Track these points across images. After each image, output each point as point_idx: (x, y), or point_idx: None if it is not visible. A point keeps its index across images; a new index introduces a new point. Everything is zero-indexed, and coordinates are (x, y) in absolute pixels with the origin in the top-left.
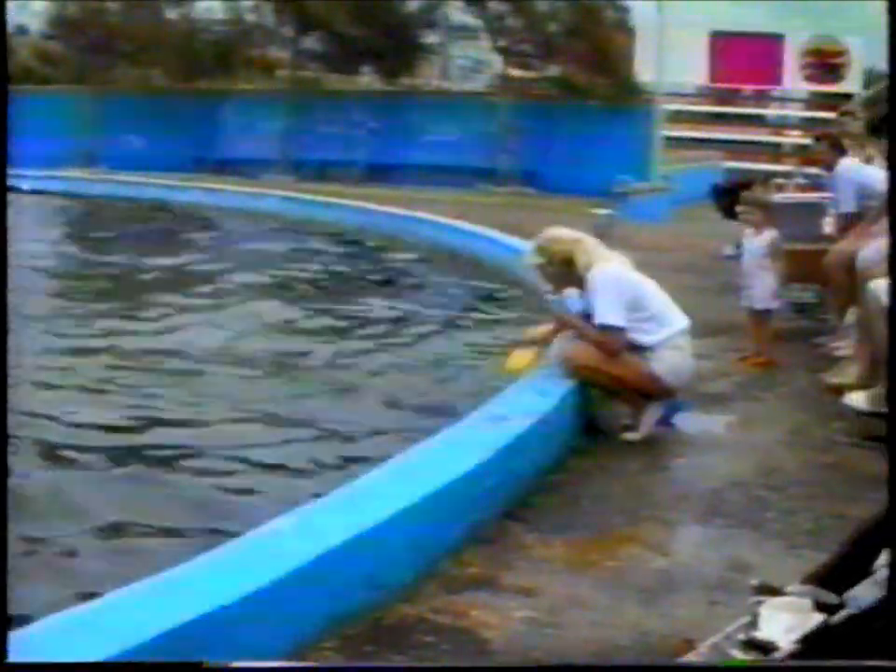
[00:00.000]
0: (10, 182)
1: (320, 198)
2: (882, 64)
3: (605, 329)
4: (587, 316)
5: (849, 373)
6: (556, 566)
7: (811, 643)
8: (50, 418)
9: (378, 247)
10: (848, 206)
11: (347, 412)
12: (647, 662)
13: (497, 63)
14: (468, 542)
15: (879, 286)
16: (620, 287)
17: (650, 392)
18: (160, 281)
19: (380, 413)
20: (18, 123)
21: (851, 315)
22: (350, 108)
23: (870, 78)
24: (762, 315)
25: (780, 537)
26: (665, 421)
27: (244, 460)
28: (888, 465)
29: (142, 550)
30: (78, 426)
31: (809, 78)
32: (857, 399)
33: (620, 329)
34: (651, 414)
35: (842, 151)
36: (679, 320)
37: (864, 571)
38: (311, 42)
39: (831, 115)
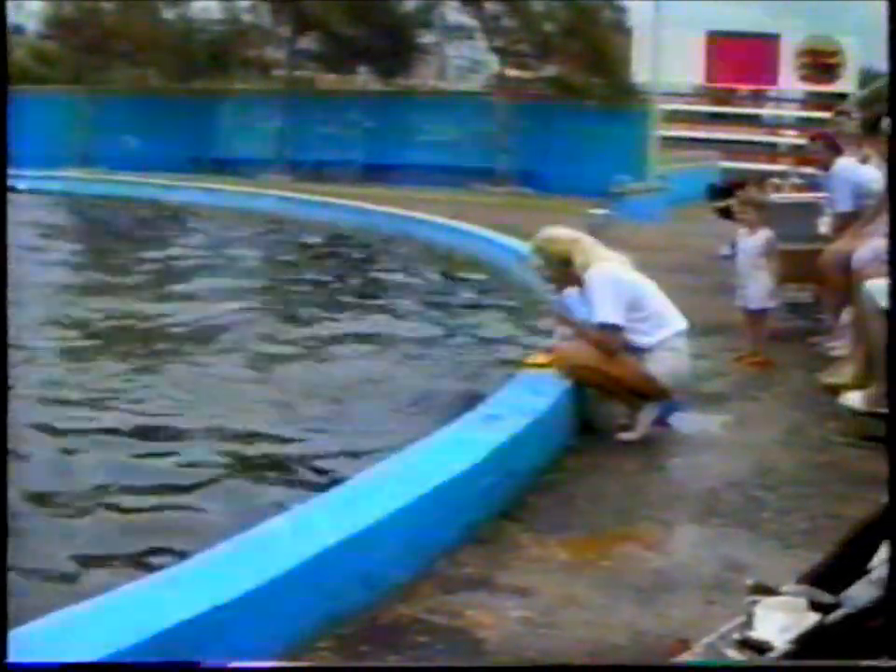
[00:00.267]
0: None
1: (317, 198)
2: (878, 64)
3: (603, 327)
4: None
5: (845, 373)
6: (552, 565)
7: (806, 643)
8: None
9: (375, 247)
10: (844, 206)
11: (344, 411)
12: (642, 662)
13: (493, 62)
14: (463, 542)
15: (875, 286)
16: (618, 286)
17: (646, 393)
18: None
19: (379, 411)
20: (14, 123)
21: (847, 315)
22: (347, 108)
23: (865, 78)
24: (757, 315)
25: (776, 536)
26: (661, 421)
27: (241, 458)
28: (888, 465)
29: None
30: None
31: (805, 78)
32: (852, 399)
33: (617, 328)
34: (648, 414)
35: (838, 151)
36: (678, 322)
37: (860, 571)
38: (307, 42)
39: (826, 115)
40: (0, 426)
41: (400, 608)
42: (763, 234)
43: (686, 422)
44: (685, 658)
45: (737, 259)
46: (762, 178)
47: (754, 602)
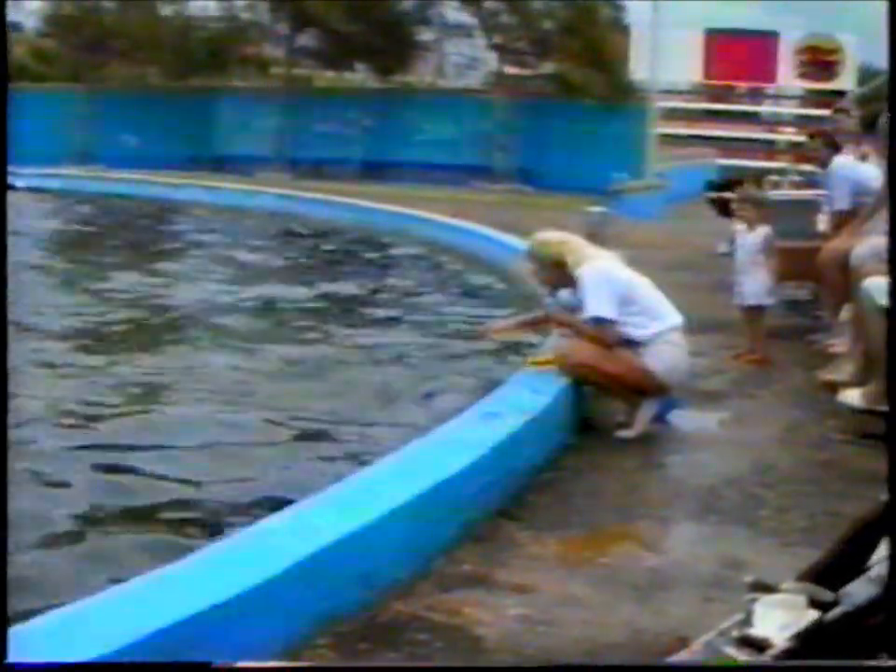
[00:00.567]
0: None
1: (316, 195)
2: (877, 61)
3: (596, 321)
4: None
5: (844, 371)
6: (550, 563)
7: (805, 640)
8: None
9: (373, 244)
10: (842, 204)
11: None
12: (641, 661)
13: (492, 60)
14: (461, 540)
15: (873, 283)
16: (609, 281)
17: (645, 389)
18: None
19: (378, 409)
20: (13, 121)
21: (845, 313)
22: (345, 106)
23: (864, 76)
24: (754, 312)
25: (775, 534)
26: (659, 418)
27: (239, 454)
28: (887, 462)
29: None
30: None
31: (803, 76)
32: (851, 397)
33: (611, 322)
34: (646, 412)
35: (836, 149)
36: (672, 316)
37: (859, 568)
38: (306, 39)
39: (825, 112)
40: (0, 426)
41: (399, 605)
42: (762, 231)
43: (685, 420)
44: (683, 656)
45: (736, 256)
46: (759, 175)
47: (753, 599)
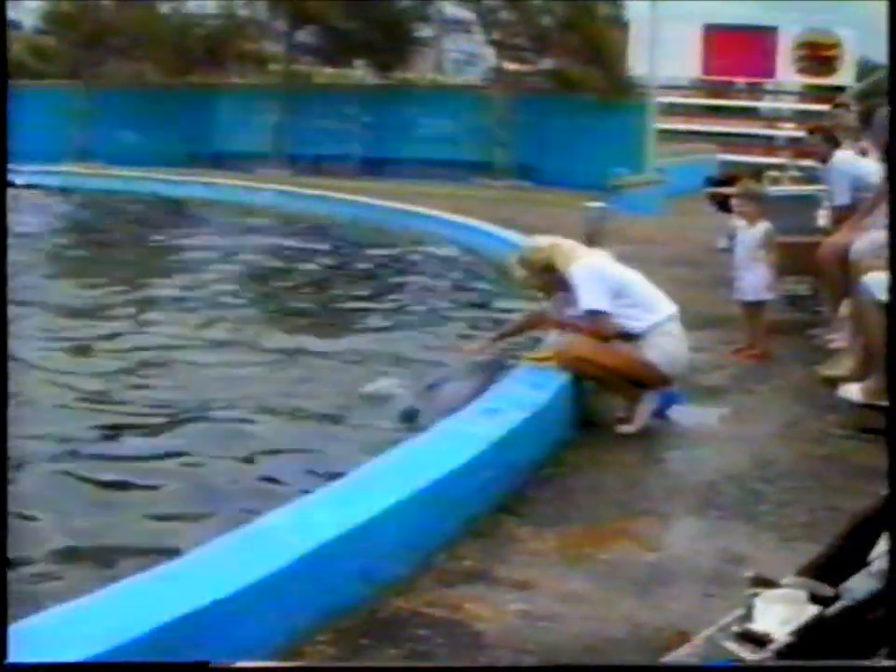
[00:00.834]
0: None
1: (315, 192)
2: (875, 56)
3: (590, 314)
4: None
5: (843, 366)
6: (550, 559)
7: (806, 635)
8: None
9: (372, 241)
10: (842, 199)
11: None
12: (641, 656)
13: (490, 56)
14: (461, 536)
15: (873, 278)
16: (600, 276)
17: (645, 381)
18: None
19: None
20: (12, 118)
21: (845, 308)
22: (344, 102)
23: (863, 71)
24: (754, 307)
25: (775, 529)
26: (659, 414)
27: (239, 449)
28: (888, 457)
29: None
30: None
31: (802, 71)
32: (851, 392)
33: (605, 314)
34: (646, 407)
35: (835, 144)
36: (667, 307)
37: (859, 563)
38: (304, 36)
39: (824, 107)
40: (0, 427)
41: (399, 601)
42: (762, 227)
43: (684, 415)
44: (684, 651)
45: (735, 252)
46: (758, 171)
47: (754, 594)
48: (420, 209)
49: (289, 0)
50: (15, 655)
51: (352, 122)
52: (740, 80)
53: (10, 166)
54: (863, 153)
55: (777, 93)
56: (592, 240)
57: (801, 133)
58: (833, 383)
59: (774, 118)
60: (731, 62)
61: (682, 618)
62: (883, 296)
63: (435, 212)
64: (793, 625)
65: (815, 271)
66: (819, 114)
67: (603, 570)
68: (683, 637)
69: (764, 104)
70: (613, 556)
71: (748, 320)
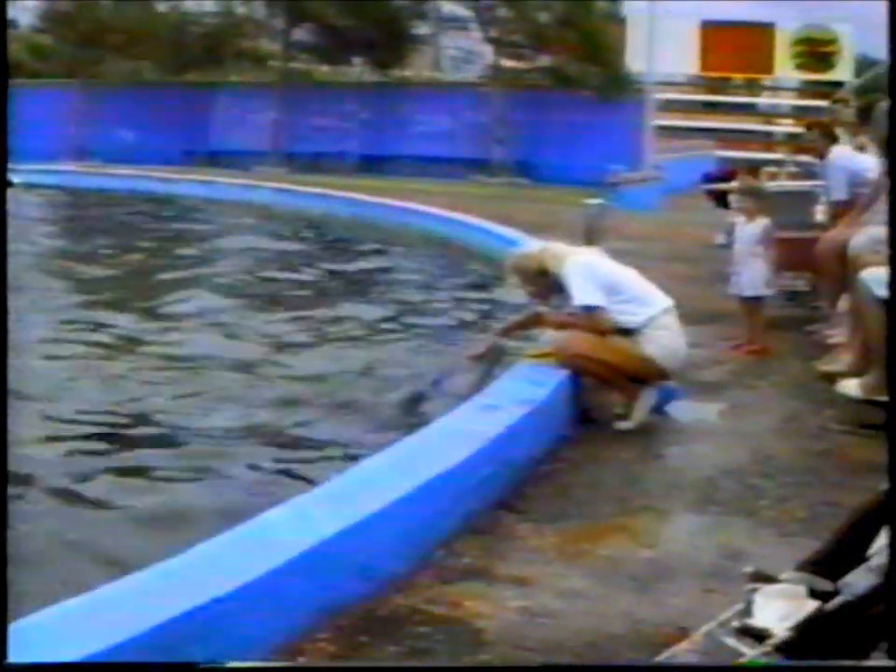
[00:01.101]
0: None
1: (313, 189)
2: (873, 52)
3: (585, 310)
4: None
5: (842, 361)
6: (549, 555)
7: (805, 630)
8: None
9: (371, 238)
10: (840, 194)
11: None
12: (641, 653)
13: (488, 53)
14: (461, 533)
15: (871, 274)
16: (592, 272)
17: (644, 376)
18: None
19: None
20: (10, 117)
21: (843, 303)
22: (342, 100)
23: (861, 66)
24: (752, 303)
25: (774, 524)
26: (658, 409)
27: (242, 446)
28: (888, 452)
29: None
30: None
31: (800, 67)
32: (849, 387)
33: (599, 308)
34: (645, 402)
35: (833, 139)
36: (661, 300)
37: (858, 558)
38: (302, 34)
39: (822, 103)
40: (0, 427)
41: (399, 598)
42: (761, 223)
43: (683, 410)
44: (684, 646)
45: (734, 247)
46: (755, 167)
47: (753, 590)
48: (418, 206)
49: None
50: (15, 655)
51: (350, 120)
52: (738, 76)
53: (9, 165)
54: (861, 149)
55: (774, 89)
56: (590, 236)
57: (799, 129)
58: (832, 378)
59: (772, 114)
60: (728, 58)
61: (682, 614)
62: (881, 291)
63: (433, 209)
64: (793, 620)
65: (813, 266)
66: (817, 110)
67: (602, 566)
68: (683, 633)
69: (762, 100)
70: (612, 552)
71: (746, 316)
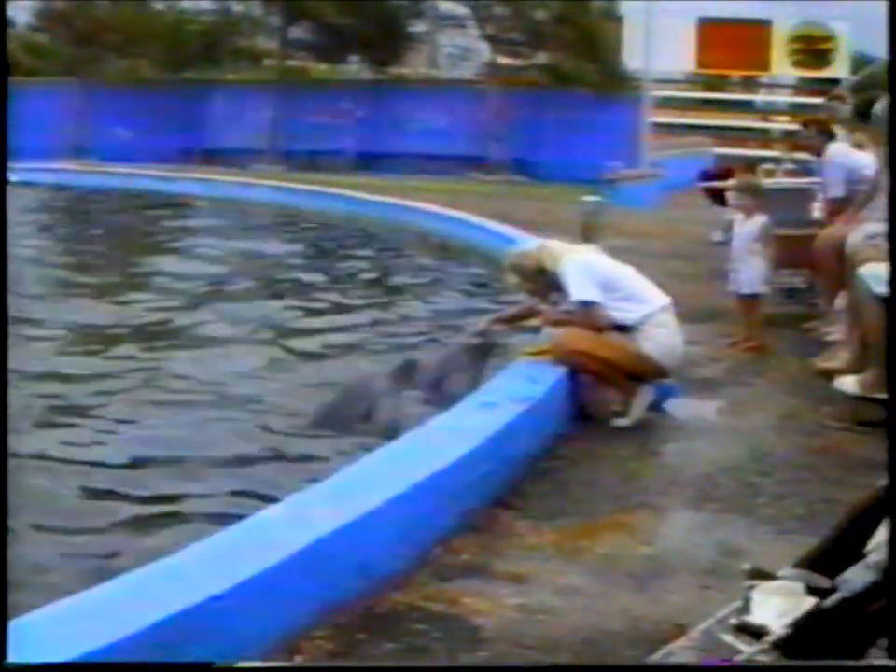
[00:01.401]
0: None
1: (310, 187)
2: (870, 49)
3: (582, 306)
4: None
5: (840, 358)
6: (547, 552)
7: (803, 627)
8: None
9: (369, 236)
10: (837, 191)
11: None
12: (639, 649)
13: (485, 51)
14: (458, 530)
15: (869, 271)
16: (589, 269)
17: (641, 374)
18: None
19: None
20: (8, 116)
21: (841, 300)
22: (338, 98)
23: (858, 64)
24: (750, 300)
25: (772, 521)
26: (655, 406)
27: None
28: (887, 449)
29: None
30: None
31: (797, 64)
32: (847, 384)
33: (596, 305)
34: (642, 399)
35: (830, 137)
36: (659, 298)
37: (856, 555)
38: (299, 32)
39: (819, 100)
40: (0, 428)
41: (397, 595)
42: (759, 220)
43: (680, 408)
44: (681, 644)
45: (732, 245)
46: (752, 164)
47: (751, 587)
48: (415, 204)
49: None
50: (15, 655)
51: (346, 118)
52: (735, 73)
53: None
54: (858, 146)
55: (771, 86)
56: (588, 234)
57: (796, 126)
58: (830, 375)
59: (769, 111)
60: (725, 55)
61: (679, 611)
62: (879, 288)
63: (430, 207)
64: (791, 617)
65: (810, 263)
66: (814, 107)
67: (600, 564)
68: (680, 630)
69: (759, 97)
70: (610, 550)
71: (744, 313)
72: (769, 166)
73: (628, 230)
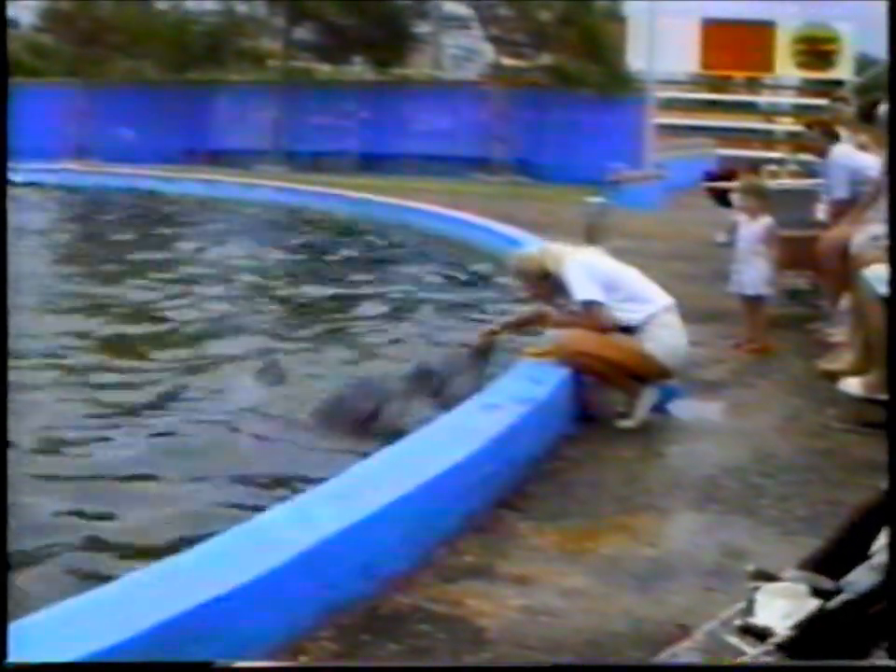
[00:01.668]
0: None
1: (314, 188)
2: (873, 51)
3: (586, 306)
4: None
5: (843, 359)
6: (551, 554)
7: (807, 629)
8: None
9: (371, 236)
10: (841, 193)
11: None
12: (642, 651)
13: (488, 52)
14: (462, 531)
15: (873, 272)
16: (591, 270)
17: (645, 375)
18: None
19: None
20: (10, 116)
21: (845, 302)
22: (342, 98)
23: (862, 65)
24: (753, 302)
25: (775, 523)
26: (659, 408)
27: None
28: (888, 450)
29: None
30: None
31: (801, 65)
32: (851, 385)
33: (600, 305)
34: (646, 401)
35: (834, 138)
36: (662, 299)
37: (860, 556)
38: (302, 32)
39: (823, 102)
40: (0, 427)
41: (400, 597)
42: (764, 221)
43: (684, 409)
44: (685, 645)
45: (736, 246)
46: (756, 165)
47: (755, 588)
48: (419, 205)
49: None
50: (15, 655)
51: (350, 119)
52: (738, 75)
53: (10, 164)
54: (862, 147)
55: (775, 88)
56: (591, 235)
57: (799, 128)
58: (833, 377)
59: (772, 112)
60: (729, 56)
61: (683, 612)
62: (883, 289)
63: (433, 207)
64: (795, 619)
65: (814, 265)
66: (818, 108)
67: (603, 565)
68: (684, 632)
69: (763, 98)
70: (614, 551)
71: (747, 314)
72: (773, 167)
73: (632, 231)
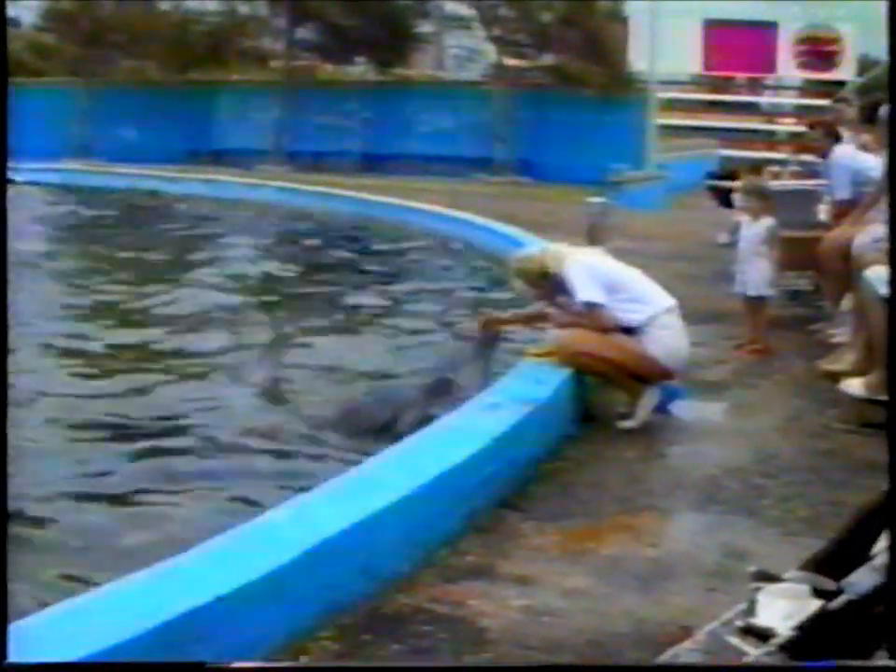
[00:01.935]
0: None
1: (315, 188)
2: (875, 51)
3: (587, 306)
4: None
5: (845, 360)
6: (552, 554)
7: (809, 629)
8: None
9: (372, 237)
10: (843, 193)
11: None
12: (643, 651)
13: (491, 52)
14: (464, 531)
15: (874, 273)
16: (592, 271)
17: (646, 375)
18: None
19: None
20: (12, 115)
21: (847, 303)
22: (344, 99)
23: (864, 66)
24: (755, 302)
25: (777, 523)
26: (660, 408)
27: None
28: (888, 451)
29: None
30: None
31: (803, 66)
32: (853, 386)
33: (601, 305)
34: (648, 402)
35: (836, 139)
36: (664, 299)
37: (862, 557)
38: (305, 32)
39: (825, 102)
40: (0, 426)
41: (402, 597)
42: (766, 222)
43: (686, 410)
44: (686, 645)
45: (739, 247)
46: (758, 166)
47: (756, 589)
48: (420, 205)
49: None
50: (15, 655)
51: (352, 119)
52: (741, 75)
53: (11, 164)
54: (864, 148)
55: (777, 88)
56: (593, 235)
57: (801, 128)
58: (835, 377)
59: (774, 113)
60: (731, 57)
61: (685, 613)
62: (885, 290)
63: (435, 208)
64: (796, 620)
65: (816, 265)
66: (820, 109)
67: (605, 565)
68: (686, 632)
69: (765, 99)
70: (615, 551)
71: (749, 315)
72: (775, 168)
73: (633, 231)
